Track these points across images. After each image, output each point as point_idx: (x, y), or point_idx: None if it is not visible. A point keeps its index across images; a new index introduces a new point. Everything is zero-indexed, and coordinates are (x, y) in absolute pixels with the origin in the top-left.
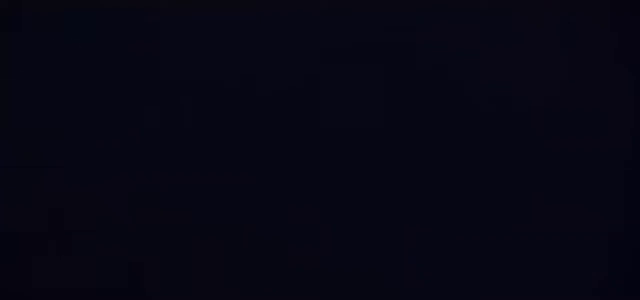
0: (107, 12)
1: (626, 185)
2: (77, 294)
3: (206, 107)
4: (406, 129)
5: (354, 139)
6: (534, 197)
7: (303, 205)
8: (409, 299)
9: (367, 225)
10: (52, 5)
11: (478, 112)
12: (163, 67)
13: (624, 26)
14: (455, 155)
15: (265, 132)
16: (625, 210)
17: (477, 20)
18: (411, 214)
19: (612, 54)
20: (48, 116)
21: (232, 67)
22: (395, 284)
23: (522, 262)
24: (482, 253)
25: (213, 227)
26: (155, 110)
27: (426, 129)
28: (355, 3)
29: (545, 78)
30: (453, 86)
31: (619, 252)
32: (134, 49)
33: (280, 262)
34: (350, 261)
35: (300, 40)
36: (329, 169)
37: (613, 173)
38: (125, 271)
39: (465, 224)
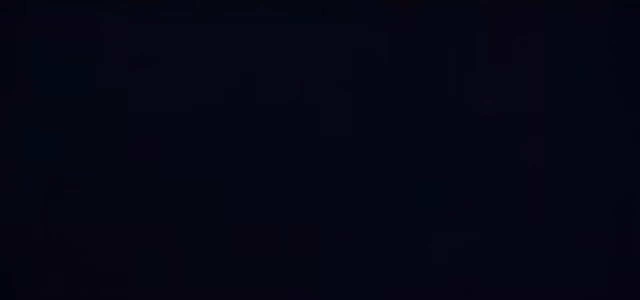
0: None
1: (626, 185)
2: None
3: (206, 107)
4: (404, 130)
5: (353, 141)
6: (532, 198)
7: (302, 206)
8: (409, 299)
9: (366, 226)
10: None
11: (476, 112)
12: (165, 65)
13: (624, 25)
14: (455, 157)
15: (264, 132)
16: (625, 210)
17: (476, 19)
18: (410, 215)
19: (613, 54)
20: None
21: (232, 67)
22: (395, 284)
23: (522, 263)
24: (482, 254)
25: (213, 226)
26: (156, 108)
27: (425, 129)
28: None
29: (544, 78)
30: (451, 84)
31: (619, 257)
32: (133, 46)
33: (280, 262)
34: (349, 262)
35: (298, 43)
36: (329, 171)
37: (613, 173)
38: (124, 270)
39: (465, 224)
